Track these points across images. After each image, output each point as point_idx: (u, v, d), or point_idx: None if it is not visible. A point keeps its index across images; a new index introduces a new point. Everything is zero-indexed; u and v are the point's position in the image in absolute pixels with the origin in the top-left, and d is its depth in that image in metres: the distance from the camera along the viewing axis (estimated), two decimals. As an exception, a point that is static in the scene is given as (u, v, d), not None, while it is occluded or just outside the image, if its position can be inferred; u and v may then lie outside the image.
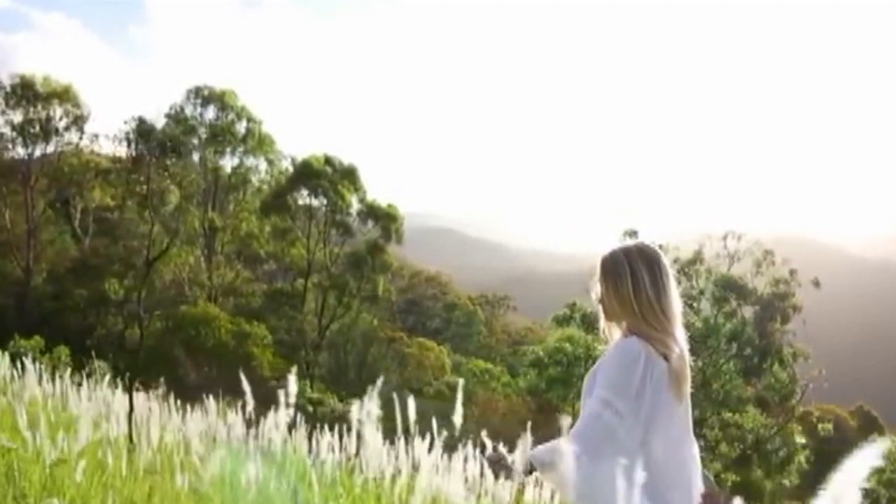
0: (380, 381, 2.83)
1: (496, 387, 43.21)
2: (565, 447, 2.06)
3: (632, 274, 2.37)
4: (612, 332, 2.47)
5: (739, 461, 19.31)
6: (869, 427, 42.50)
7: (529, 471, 2.22)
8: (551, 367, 18.48)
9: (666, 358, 2.29)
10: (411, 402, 3.49)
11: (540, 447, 2.26)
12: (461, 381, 3.68)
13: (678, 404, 2.32)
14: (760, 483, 21.12)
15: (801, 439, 19.24)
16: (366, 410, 2.44)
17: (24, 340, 16.39)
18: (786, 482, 19.47)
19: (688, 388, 2.36)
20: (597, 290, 2.47)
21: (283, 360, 27.76)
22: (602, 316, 2.48)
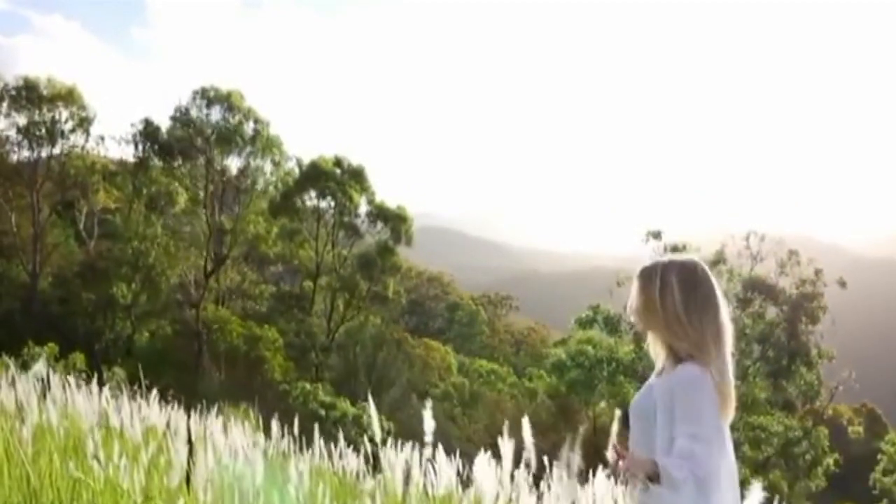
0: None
1: (502, 388, 43.01)
2: (688, 469, 2.16)
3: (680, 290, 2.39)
4: (658, 350, 2.47)
5: (763, 464, 19.12)
6: (874, 426, 42.25)
7: (654, 478, 2.16)
8: (573, 370, 18.26)
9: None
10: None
11: (667, 460, 2.20)
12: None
13: (726, 421, 2.40)
14: (778, 485, 20.92)
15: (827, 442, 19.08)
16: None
17: (38, 347, 16.05)
18: (812, 486, 19.24)
19: (732, 407, 2.42)
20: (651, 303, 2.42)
21: (293, 362, 27.51)
22: (653, 337, 2.45)
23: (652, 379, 2.46)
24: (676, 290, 2.35)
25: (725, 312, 2.39)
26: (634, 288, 2.44)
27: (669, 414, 2.29)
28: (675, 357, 2.35)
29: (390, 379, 31.34)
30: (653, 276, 2.38)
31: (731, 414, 2.40)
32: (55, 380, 6.10)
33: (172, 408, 7.63)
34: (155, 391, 11.56)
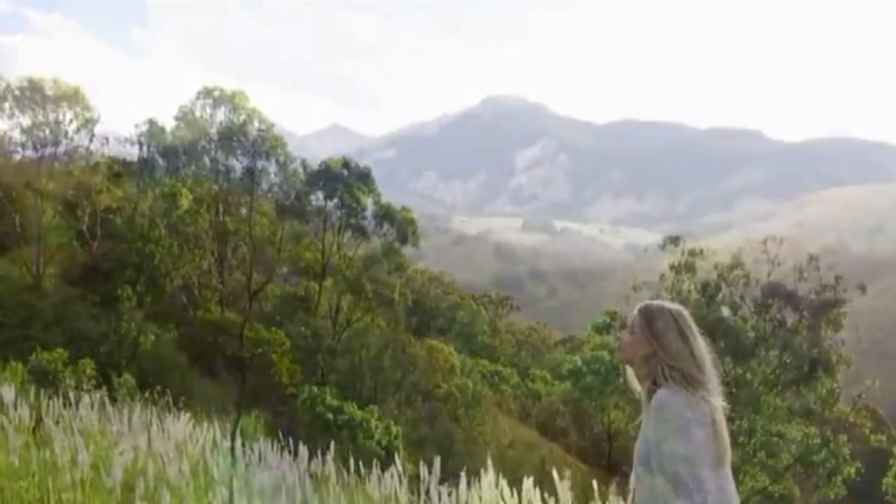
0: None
1: (506, 389, 42.84)
2: None
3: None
4: (640, 388, 2.57)
5: (782, 472, 18.96)
6: (876, 427, 42.10)
7: None
8: (588, 376, 18.14)
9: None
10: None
11: None
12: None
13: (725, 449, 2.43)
14: (792, 491, 20.75)
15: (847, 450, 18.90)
16: None
17: (47, 353, 15.78)
18: (831, 494, 19.05)
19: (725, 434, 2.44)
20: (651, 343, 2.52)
21: (299, 365, 27.25)
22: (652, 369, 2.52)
23: (643, 423, 2.55)
24: (694, 335, 2.51)
25: (703, 347, 2.53)
26: (637, 325, 2.56)
27: (655, 440, 2.37)
28: (652, 392, 2.46)
29: (396, 381, 31.14)
30: (666, 319, 2.51)
31: (725, 438, 2.41)
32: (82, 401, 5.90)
33: (194, 426, 7.39)
34: (167, 399, 11.26)
